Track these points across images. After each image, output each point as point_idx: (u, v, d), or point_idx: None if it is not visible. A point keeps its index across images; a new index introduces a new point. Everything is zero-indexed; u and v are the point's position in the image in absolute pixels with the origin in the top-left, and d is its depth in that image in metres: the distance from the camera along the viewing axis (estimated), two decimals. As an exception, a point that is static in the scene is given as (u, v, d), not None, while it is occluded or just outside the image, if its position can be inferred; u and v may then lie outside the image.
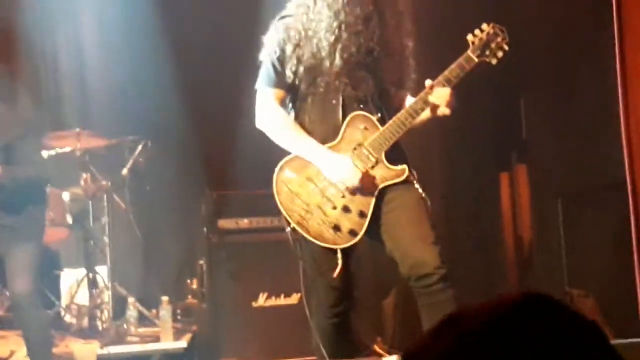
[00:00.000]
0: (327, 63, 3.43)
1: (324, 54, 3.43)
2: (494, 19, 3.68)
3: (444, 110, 3.46)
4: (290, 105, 3.60)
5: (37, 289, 4.44)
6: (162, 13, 6.08)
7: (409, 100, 3.55)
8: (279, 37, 3.51)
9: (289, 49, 3.48)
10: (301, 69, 3.46)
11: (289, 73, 3.49)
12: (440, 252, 3.39)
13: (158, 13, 6.06)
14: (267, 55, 3.55)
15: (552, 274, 5.51)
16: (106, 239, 5.56)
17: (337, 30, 3.40)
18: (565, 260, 5.41)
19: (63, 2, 6.30)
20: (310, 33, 3.45)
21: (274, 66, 3.53)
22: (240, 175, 5.80)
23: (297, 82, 3.50)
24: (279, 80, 3.53)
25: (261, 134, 3.60)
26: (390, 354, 4.78)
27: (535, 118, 5.79)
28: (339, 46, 3.41)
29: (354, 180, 3.43)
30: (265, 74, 3.56)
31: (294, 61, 3.47)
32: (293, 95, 3.56)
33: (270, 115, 3.54)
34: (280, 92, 3.55)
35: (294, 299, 4.96)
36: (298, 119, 3.55)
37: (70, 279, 6.04)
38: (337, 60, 3.42)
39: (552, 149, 5.77)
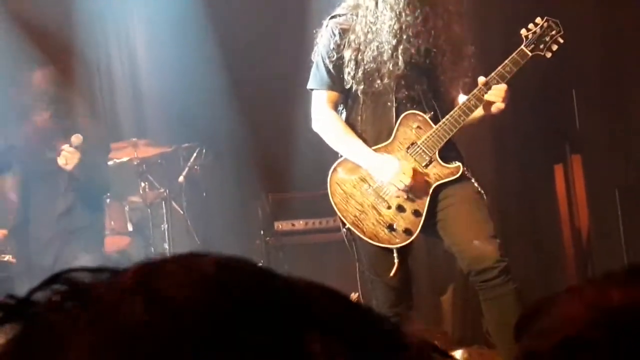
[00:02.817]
0: (389, 66, 3.42)
1: (385, 57, 3.43)
2: (545, 12, 3.67)
3: (499, 106, 3.45)
4: (342, 105, 3.62)
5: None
6: (213, 18, 6.14)
7: (462, 98, 3.56)
8: (335, 39, 3.51)
9: (347, 54, 3.47)
10: (360, 72, 3.47)
11: (347, 77, 3.49)
12: (500, 245, 3.39)
13: (209, 18, 6.13)
14: (320, 56, 3.56)
15: (612, 266, 5.43)
16: (166, 245, 5.66)
17: (398, 33, 3.40)
18: (625, 251, 5.34)
19: (115, 15, 6.42)
20: (370, 36, 3.44)
21: (327, 68, 3.53)
22: (296, 178, 5.84)
23: (352, 84, 3.52)
24: (333, 82, 3.53)
25: (315, 136, 3.64)
26: (450, 350, 4.77)
27: (589, 108, 5.72)
28: (401, 48, 3.41)
29: (404, 182, 3.44)
30: (318, 75, 3.57)
31: (353, 65, 3.47)
32: (345, 95, 3.58)
33: (324, 118, 3.56)
34: (334, 94, 3.57)
35: (352, 299, 4.98)
36: (350, 118, 3.57)
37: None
38: (400, 63, 3.42)
39: (607, 139, 5.70)
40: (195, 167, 5.78)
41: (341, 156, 3.58)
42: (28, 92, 4.44)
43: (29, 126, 4.48)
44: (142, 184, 5.59)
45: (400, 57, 3.41)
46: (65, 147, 4.26)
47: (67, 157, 4.24)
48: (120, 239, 5.70)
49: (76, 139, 4.26)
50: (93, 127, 4.58)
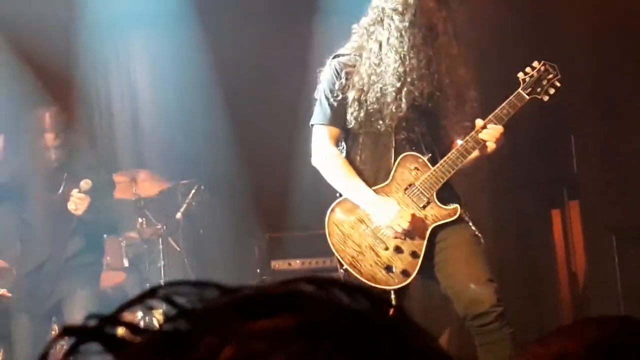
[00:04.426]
0: (392, 107, 3.45)
1: (389, 99, 3.45)
2: (543, 57, 3.71)
3: (490, 146, 3.47)
4: (342, 142, 3.63)
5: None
6: (214, 57, 6.18)
7: (459, 142, 3.58)
8: (339, 78, 3.53)
9: (351, 94, 3.49)
10: (362, 113, 3.49)
11: (349, 118, 3.51)
12: (496, 290, 3.38)
13: (209, 57, 6.17)
14: (323, 93, 3.57)
15: (608, 312, 5.42)
16: (162, 282, 5.64)
17: (403, 76, 3.43)
18: (621, 297, 5.33)
19: (117, 49, 6.47)
20: (374, 78, 3.46)
21: (330, 105, 3.55)
22: (293, 217, 5.84)
23: (354, 124, 3.53)
24: (335, 118, 3.55)
25: (313, 175, 3.64)
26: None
27: (587, 154, 5.75)
28: (405, 91, 3.44)
29: (402, 225, 3.44)
30: (321, 111, 3.58)
31: (356, 106, 3.49)
32: (345, 133, 3.60)
33: (324, 154, 3.57)
34: (335, 130, 3.58)
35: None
36: (348, 157, 3.58)
37: (127, 322, 6.09)
38: (403, 105, 3.44)
39: (605, 185, 5.72)
40: (193, 203, 5.78)
41: (339, 196, 3.58)
42: (35, 131, 4.46)
43: (35, 166, 4.49)
44: (140, 220, 5.59)
45: (403, 100, 3.43)
46: (74, 192, 4.30)
47: (77, 202, 4.29)
48: (115, 275, 5.68)
49: (85, 184, 4.30)
50: (99, 169, 4.61)
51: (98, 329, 0.51)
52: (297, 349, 0.48)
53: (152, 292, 0.52)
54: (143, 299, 0.52)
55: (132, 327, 0.52)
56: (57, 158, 4.44)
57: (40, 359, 0.52)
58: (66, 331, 0.52)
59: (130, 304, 0.52)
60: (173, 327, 0.51)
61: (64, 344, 0.53)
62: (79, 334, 0.52)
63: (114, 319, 0.52)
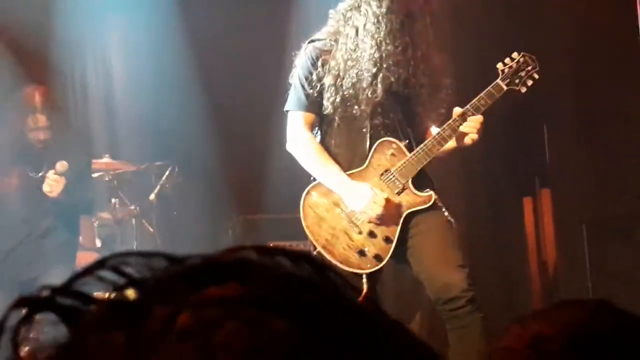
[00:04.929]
0: (367, 93, 3.46)
1: (365, 84, 3.46)
2: (519, 47, 3.73)
3: (472, 137, 3.50)
4: (317, 128, 3.64)
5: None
6: (190, 38, 6.16)
7: (434, 130, 3.60)
8: (314, 64, 3.53)
9: (327, 80, 3.49)
10: (338, 98, 3.50)
11: (326, 103, 3.52)
12: (468, 275, 3.42)
13: (185, 38, 6.15)
14: (297, 79, 3.58)
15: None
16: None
17: (378, 61, 3.44)
18: (590, 287, 5.40)
19: (92, 29, 6.42)
20: (350, 63, 3.47)
21: (305, 90, 3.55)
22: (267, 200, 5.85)
23: (330, 109, 3.55)
24: (311, 104, 3.56)
25: (288, 158, 3.65)
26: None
27: (559, 142, 5.80)
28: (380, 76, 3.45)
29: (376, 210, 3.46)
30: (296, 97, 3.59)
31: (332, 91, 3.49)
32: (320, 119, 3.61)
33: (299, 140, 3.58)
34: (310, 116, 3.59)
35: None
36: (324, 142, 3.59)
37: (99, 302, 6.08)
38: (379, 91, 3.46)
39: (576, 175, 5.78)
40: (167, 185, 5.76)
41: (314, 179, 3.59)
42: (24, 110, 4.40)
43: (18, 144, 4.44)
44: (113, 201, 5.57)
45: (379, 85, 3.45)
46: (50, 174, 4.26)
47: (52, 185, 4.26)
48: (88, 255, 5.65)
49: (61, 166, 4.26)
50: (78, 149, 4.58)
51: (50, 299, 0.52)
52: (247, 315, 0.50)
53: (101, 263, 0.53)
54: (92, 270, 0.52)
55: (84, 296, 0.53)
56: (44, 138, 4.40)
57: None
58: (20, 302, 0.53)
59: (80, 275, 0.53)
60: (123, 297, 0.52)
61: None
62: (32, 304, 0.52)
63: (66, 289, 0.52)
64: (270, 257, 0.55)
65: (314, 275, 0.55)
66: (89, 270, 0.53)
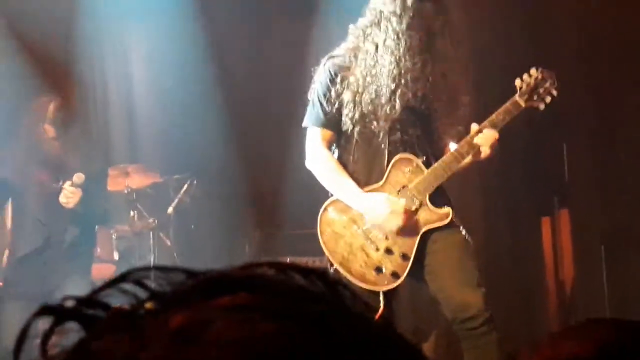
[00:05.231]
0: (385, 109, 3.46)
1: (383, 100, 3.46)
2: (540, 64, 3.72)
3: (485, 151, 3.48)
4: (335, 144, 3.65)
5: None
6: (212, 51, 6.19)
7: (452, 147, 3.59)
8: (333, 80, 3.52)
9: (347, 96, 3.49)
10: (357, 114, 3.50)
11: (344, 119, 3.52)
12: (485, 295, 3.40)
13: (207, 51, 6.18)
14: (316, 95, 3.58)
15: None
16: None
17: (397, 77, 3.44)
18: (608, 307, 5.36)
19: (114, 39, 6.46)
20: (369, 79, 3.47)
21: (323, 107, 3.55)
22: (285, 215, 5.85)
23: (348, 125, 3.55)
24: (329, 121, 3.55)
25: (307, 174, 3.65)
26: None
27: (578, 162, 5.77)
28: (399, 92, 3.45)
29: (397, 222, 3.46)
30: (314, 113, 3.59)
31: (351, 107, 3.49)
32: (339, 135, 3.61)
33: (317, 157, 3.58)
34: (328, 133, 3.58)
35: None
36: (342, 158, 3.59)
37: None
38: (397, 106, 3.46)
39: (596, 194, 5.75)
40: (186, 199, 5.78)
41: (332, 195, 3.59)
42: (39, 120, 4.46)
43: (38, 156, 4.49)
44: (132, 213, 5.59)
45: (397, 101, 3.44)
46: (67, 185, 4.32)
47: (69, 196, 4.31)
48: (105, 267, 5.68)
49: (78, 178, 4.32)
50: (94, 159, 4.63)
51: (76, 308, 0.54)
52: (239, 317, 0.51)
53: (124, 276, 0.54)
54: (115, 283, 0.54)
55: (107, 307, 0.54)
56: (54, 149, 4.45)
57: (19, 336, 0.54)
58: (44, 310, 0.54)
59: (104, 287, 0.54)
60: (139, 307, 0.54)
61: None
62: (58, 313, 0.54)
63: (90, 300, 0.54)
64: (283, 272, 0.56)
65: (326, 291, 0.55)
66: (113, 282, 0.54)
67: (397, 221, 3.45)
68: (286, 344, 0.50)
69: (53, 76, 5.52)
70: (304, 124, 3.64)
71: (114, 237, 5.73)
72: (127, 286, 0.55)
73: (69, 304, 0.54)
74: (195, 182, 5.79)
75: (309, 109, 3.61)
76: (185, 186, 5.76)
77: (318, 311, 0.53)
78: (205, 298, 0.53)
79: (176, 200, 5.77)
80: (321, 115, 3.56)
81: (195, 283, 0.55)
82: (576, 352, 0.93)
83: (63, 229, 4.49)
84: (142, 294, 0.55)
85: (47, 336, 0.53)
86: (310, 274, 0.56)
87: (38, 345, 0.53)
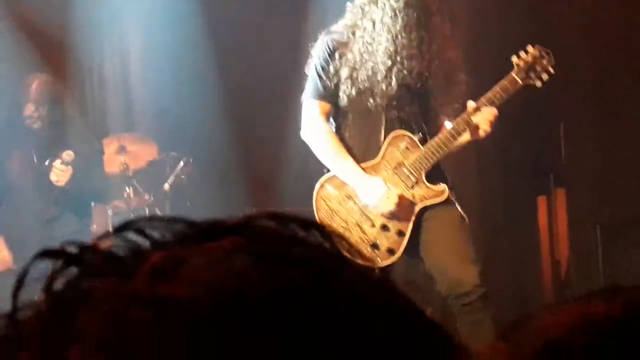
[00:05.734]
0: (382, 86, 3.47)
1: (380, 77, 3.47)
2: (537, 41, 3.71)
3: (485, 129, 3.49)
4: (331, 119, 3.64)
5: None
6: (208, 29, 6.16)
7: (448, 125, 3.59)
8: (331, 55, 3.54)
9: (344, 72, 3.50)
10: (354, 90, 3.50)
11: (342, 95, 3.53)
12: (480, 271, 3.42)
13: (203, 29, 6.15)
14: (314, 69, 3.59)
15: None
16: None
17: (393, 55, 3.45)
18: (603, 287, 5.37)
19: (110, 16, 6.43)
20: (366, 56, 3.48)
21: (322, 80, 3.56)
22: (281, 192, 5.85)
23: (345, 101, 3.54)
24: (327, 94, 3.56)
25: (303, 152, 3.65)
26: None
27: (575, 141, 5.77)
28: (395, 69, 3.45)
29: (388, 206, 3.46)
30: (312, 86, 3.60)
31: (348, 83, 3.51)
32: (336, 110, 3.61)
33: (315, 130, 3.58)
34: (326, 106, 3.59)
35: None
36: (338, 134, 3.60)
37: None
38: (393, 84, 3.46)
39: (592, 175, 5.75)
40: (181, 176, 5.77)
41: (328, 171, 3.59)
42: (26, 98, 4.43)
43: (24, 133, 4.47)
44: (127, 189, 5.58)
45: (393, 78, 3.45)
46: (56, 163, 4.28)
47: (59, 174, 4.27)
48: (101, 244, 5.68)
49: (67, 156, 4.28)
50: (90, 137, 4.60)
51: (78, 255, 0.53)
52: (215, 254, 0.51)
53: (126, 225, 0.54)
54: (118, 232, 0.54)
55: (109, 254, 0.54)
56: (40, 128, 4.42)
57: (17, 281, 0.54)
58: (46, 254, 0.54)
59: (106, 235, 0.54)
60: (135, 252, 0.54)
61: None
62: (60, 257, 0.53)
63: (93, 247, 0.54)
64: (282, 223, 0.55)
65: (322, 242, 0.55)
66: (115, 231, 0.54)
67: (390, 207, 3.46)
68: (264, 282, 0.49)
69: (49, 55, 5.50)
70: (302, 98, 3.64)
71: (109, 213, 5.72)
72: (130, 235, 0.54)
73: (71, 249, 0.54)
74: (191, 160, 5.78)
75: (308, 82, 3.63)
76: (181, 163, 5.75)
77: (308, 255, 0.52)
78: (195, 242, 0.53)
79: (172, 177, 5.76)
80: (320, 88, 3.56)
81: (190, 230, 0.55)
82: (595, 312, 0.82)
83: (53, 208, 4.47)
84: (143, 243, 0.54)
85: (52, 278, 0.53)
86: (309, 226, 0.55)
87: (41, 286, 0.53)
